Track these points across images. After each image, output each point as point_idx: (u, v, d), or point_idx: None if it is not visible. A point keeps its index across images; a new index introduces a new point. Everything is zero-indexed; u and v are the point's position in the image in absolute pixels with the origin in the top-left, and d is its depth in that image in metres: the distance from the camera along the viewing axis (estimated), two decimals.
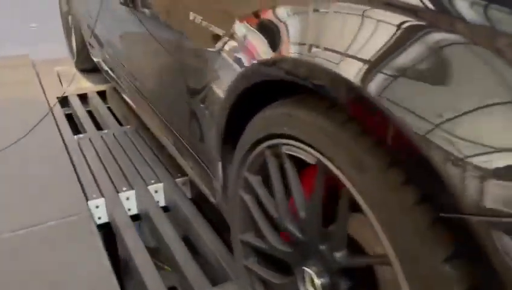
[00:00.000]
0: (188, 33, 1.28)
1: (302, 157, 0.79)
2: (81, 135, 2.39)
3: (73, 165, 2.03)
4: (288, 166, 0.84)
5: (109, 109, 2.85)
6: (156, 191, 1.95)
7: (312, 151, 0.75)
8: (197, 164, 1.44)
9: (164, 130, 1.77)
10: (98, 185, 1.93)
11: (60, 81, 3.21)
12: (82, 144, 2.28)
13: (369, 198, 0.65)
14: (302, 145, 0.78)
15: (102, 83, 3.17)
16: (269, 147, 0.89)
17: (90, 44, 2.80)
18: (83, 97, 2.97)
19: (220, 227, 1.73)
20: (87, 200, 1.81)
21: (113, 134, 2.41)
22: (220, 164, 1.21)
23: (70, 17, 3.20)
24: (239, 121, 1.06)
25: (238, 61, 0.98)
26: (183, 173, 2.04)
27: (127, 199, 1.91)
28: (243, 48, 0.95)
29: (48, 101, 2.79)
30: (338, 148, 0.69)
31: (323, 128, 0.72)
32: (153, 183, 1.95)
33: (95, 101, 2.87)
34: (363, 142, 0.65)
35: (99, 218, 1.85)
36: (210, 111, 1.18)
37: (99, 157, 2.16)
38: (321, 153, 0.73)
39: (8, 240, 1.57)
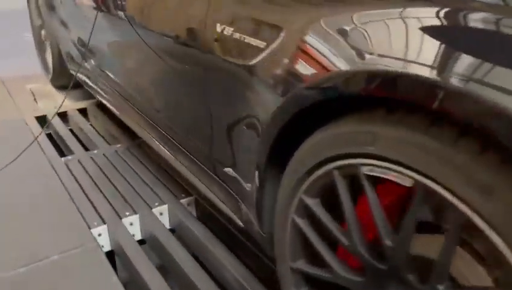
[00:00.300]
0: (213, 47, 1.19)
1: (390, 178, 0.72)
2: (69, 157, 2.23)
3: (68, 192, 1.88)
4: (369, 189, 0.76)
5: (92, 127, 2.69)
6: (160, 214, 1.83)
7: (409, 172, 0.68)
8: (221, 188, 1.34)
9: (174, 151, 1.66)
10: (97, 212, 1.79)
11: (35, 99, 3.02)
12: (71, 167, 2.13)
13: (497, 222, 0.58)
14: (392, 166, 0.71)
15: (82, 100, 3.01)
16: (339, 167, 0.82)
17: (71, 58, 2.64)
18: (63, 116, 2.80)
19: (233, 247, 1.64)
20: (89, 228, 1.67)
21: (104, 154, 2.26)
22: (254, 188, 1.13)
23: (43, 32, 3.02)
24: (285, 143, 0.98)
25: (291, 76, 0.90)
26: (187, 193, 1.93)
27: (131, 224, 1.78)
28: (300, 61, 0.87)
29: (26, 121, 2.61)
30: (449, 169, 0.62)
31: (426, 147, 0.65)
32: (157, 206, 1.83)
33: (77, 120, 2.71)
34: (486, 161, 0.59)
35: (102, 247, 1.71)
36: (246, 135, 1.09)
37: (94, 181, 2.02)
38: (423, 175, 0.66)
39: (9, 279, 1.41)
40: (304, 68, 0.86)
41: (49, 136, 2.64)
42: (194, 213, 1.92)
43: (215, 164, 1.36)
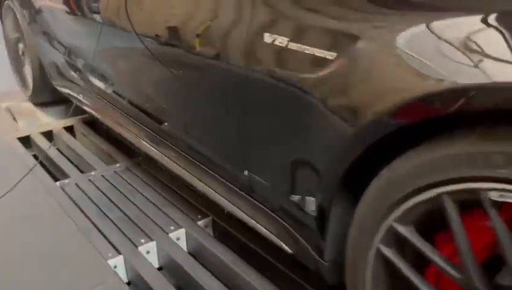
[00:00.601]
0: (258, 61, 1.08)
1: None
2: (65, 181, 2.04)
3: (73, 221, 1.71)
4: (496, 217, 0.68)
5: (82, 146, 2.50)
6: (177, 239, 1.70)
7: None
8: (269, 217, 1.23)
9: (195, 171, 1.54)
10: (110, 241, 1.63)
11: (15, 119, 2.79)
12: (70, 192, 1.95)
13: None
14: None
15: (65, 117, 2.81)
16: (451, 192, 0.73)
17: (57, 73, 2.45)
18: (48, 135, 2.59)
19: (261, 268, 1.53)
20: (105, 260, 1.52)
21: (102, 176, 2.09)
22: (315, 216, 1.03)
23: (21, 45, 2.80)
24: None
25: (377, 95, 0.80)
26: (203, 213, 1.80)
27: (148, 252, 1.63)
28: (392, 76, 0.78)
29: (8, 144, 2.39)
30: None
31: None
32: (173, 230, 1.69)
33: (65, 139, 2.51)
34: None
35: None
36: (308, 161, 0.99)
37: (98, 206, 1.85)
38: None
39: None
40: (400, 84, 0.76)
41: (35, 157, 2.43)
42: (212, 234, 1.79)
43: (255, 189, 1.25)
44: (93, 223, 1.74)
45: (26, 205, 1.83)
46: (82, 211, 1.81)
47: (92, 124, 2.68)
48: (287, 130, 1.02)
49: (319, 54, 0.92)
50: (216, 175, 1.44)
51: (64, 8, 2.08)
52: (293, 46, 0.98)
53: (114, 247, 1.60)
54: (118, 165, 2.19)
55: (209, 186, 1.51)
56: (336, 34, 0.89)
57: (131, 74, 1.77)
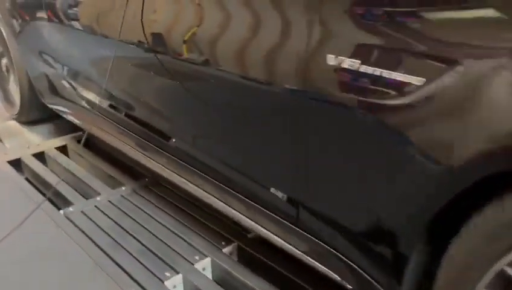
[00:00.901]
0: (321, 84, 0.99)
1: None
2: (70, 209, 1.89)
3: (88, 255, 1.57)
4: None
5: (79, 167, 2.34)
6: (203, 269, 1.58)
7: None
8: (321, 250, 1.14)
9: (226, 196, 1.43)
10: (131, 276, 1.50)
11: (0, 139, 2.60)
12: (77, 221, 1.80)
13: None
14: None
15: (55, 136, 2.64)
16: None
17: (54, 90, 2.27)
18: (39, 156, 2.41)
19: None
20: None
21: (109, 201, 1.95)
22: (392, 254, 0.95)
23: (5, 61, 2.60)
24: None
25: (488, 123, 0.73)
26: (226, 239, 1.69)
27: (174, 287, 1.51)
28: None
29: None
30: None
31: None
32: (198, 260, 1.58)
33: (60, 160, 2.34)
34: None
35: None
36: (396, 200, 0.91)
37: (111, 237, 1.71)
38: None
39: None
40: None
41: (28, 181, 2.26)
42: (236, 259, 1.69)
43: (307, 222, 1.16)
44: (108, 255, 1.60)
45: (34, 239, 1.67)
46: (94, 243, 1.67)
47: (86, 142, 2.51)
48: (364, 166, 0.94)
49: (400, 79, 0.84)
50: (252, 202, 1.35)
51: (65, 21, 1.93)
52: (366, 69, 0.90)
53: (137, 282, 1.48)
54: (123, 188, 2.04)
55: (245, 215, 1.41)
56: (426, 56, 0.81)
57: (150, 93, 1.64)
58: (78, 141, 2.52)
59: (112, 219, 1.82)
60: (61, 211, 1.88)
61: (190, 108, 1.49)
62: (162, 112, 1.63)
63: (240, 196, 1.39)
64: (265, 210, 1.31)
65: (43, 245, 1.65)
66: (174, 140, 1.58)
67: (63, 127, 2.75)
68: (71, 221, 1.80)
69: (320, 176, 1.06)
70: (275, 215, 1.28)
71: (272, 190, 1.24)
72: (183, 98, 1.48)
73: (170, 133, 1.61)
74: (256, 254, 1.62)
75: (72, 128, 2.62)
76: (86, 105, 2.06)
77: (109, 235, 1.72)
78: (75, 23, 1.86)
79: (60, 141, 2.51)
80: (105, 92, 1.81)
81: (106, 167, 2.26)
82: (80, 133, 2.57)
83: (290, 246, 1.28)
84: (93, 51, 1.82)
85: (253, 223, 1.40)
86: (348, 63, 0.92)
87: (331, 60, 0.95)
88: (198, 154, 1.52)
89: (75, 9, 1.90)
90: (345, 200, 1.03)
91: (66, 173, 2.28)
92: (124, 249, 1.65)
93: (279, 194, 1.21)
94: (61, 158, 2.36)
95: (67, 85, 2.13)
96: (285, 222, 1.25)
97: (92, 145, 2.50)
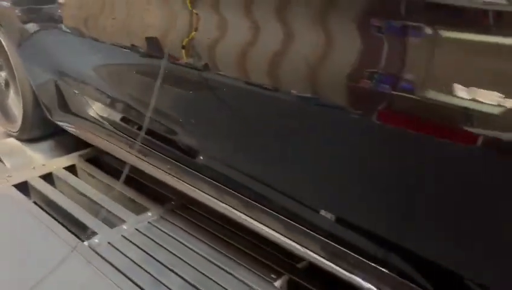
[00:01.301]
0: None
1: None
2: (95, 240, 1.71)
3: None
4: None
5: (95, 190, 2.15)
6: None
7: None
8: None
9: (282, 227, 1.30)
10: None
11: (1, 160, 2.39)
12: (104, 254, 1.63)
13: None
14: None
15: (58, 154, 2.45)
16: None
17: (64, 107, 2.09)
18: (46, 178, 2.21)
19: None
20: None
21: (136, 229, 1.79)
22: None
23: (3, 73, 2.39)
24: None
25: None
26: (274, 271, 1.55)
27: None
28: None
29: (3, 193, 2.02)
30: None
31: None
32: None
33: (71, 182, 2.15)
34: None
35: None
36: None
37: (146, 271, 1.55)
38: None
39: None
40: None
41: (36, 204, 2.06)
42: None
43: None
44: None
45: (68, 280, 1.50)
46: (130, 280, 1.51)
47: (98, 162, 2.34)
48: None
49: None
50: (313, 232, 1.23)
51: (83, 31, 1.76)
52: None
53: None
54: (149, 213, 1.88)
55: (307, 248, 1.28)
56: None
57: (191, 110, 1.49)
58: (87, 160, 2.34)
59: (143, 250, 1.66)
60: (86, 243, 1.71)
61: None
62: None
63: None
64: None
65: (77, 284, 1.49)
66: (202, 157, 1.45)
67: (65, 143, 2.56)
68: (98, 254, 1.63)
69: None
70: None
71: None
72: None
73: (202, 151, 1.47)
74: (308, 286, 1.50)
75: (75, 144, 2.44)
76: (106, 124, 1.89)
77: (145, 270, 1.55)
78: (100, 35, 1.69)
79: (67, 160, 2.32)
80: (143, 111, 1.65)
81: (123, 189, 2.08)
82: (88, 150, 2.40)
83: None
84: (131, 68, 1.66)
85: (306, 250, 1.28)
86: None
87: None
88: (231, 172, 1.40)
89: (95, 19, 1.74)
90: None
91: (79, 196, 2.10)
92: (161, 283, 1.50)
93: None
94: (72, 179, 2.17)
95: (82, 101, 1.96)
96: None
97: (104, 164, 2.33)
